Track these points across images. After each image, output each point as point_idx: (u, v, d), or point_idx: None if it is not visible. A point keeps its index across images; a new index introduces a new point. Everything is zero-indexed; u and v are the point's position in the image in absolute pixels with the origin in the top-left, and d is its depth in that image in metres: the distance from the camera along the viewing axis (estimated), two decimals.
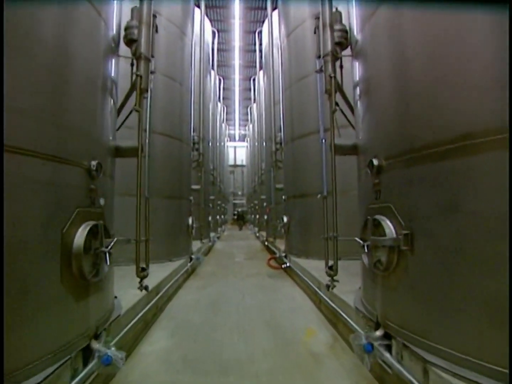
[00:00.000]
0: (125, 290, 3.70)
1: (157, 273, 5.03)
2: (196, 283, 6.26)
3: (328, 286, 3.41)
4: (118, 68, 3.43)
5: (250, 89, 21.82)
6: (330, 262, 3.73)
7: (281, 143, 8.41)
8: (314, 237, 6.49)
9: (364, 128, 3.01)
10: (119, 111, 3.48)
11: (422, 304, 2.10)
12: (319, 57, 3.56)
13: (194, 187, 7.97)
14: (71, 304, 2.10)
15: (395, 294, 2.34)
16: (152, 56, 3.48)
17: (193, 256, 7.22)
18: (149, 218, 3.74)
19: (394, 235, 2.29)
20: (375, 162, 2.56)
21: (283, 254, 7.33)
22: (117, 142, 3.20)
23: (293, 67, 7.50)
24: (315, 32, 3.68)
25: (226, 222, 27.99)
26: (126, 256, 4.56)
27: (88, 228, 2.23)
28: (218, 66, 17.10)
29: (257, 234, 16.67)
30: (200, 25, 10.15)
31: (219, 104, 21.86)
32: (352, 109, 3.65)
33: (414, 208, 2.18)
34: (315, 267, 5.44)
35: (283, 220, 7.33)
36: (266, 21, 11.85)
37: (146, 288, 3.34)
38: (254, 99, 22.14)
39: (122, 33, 3.38)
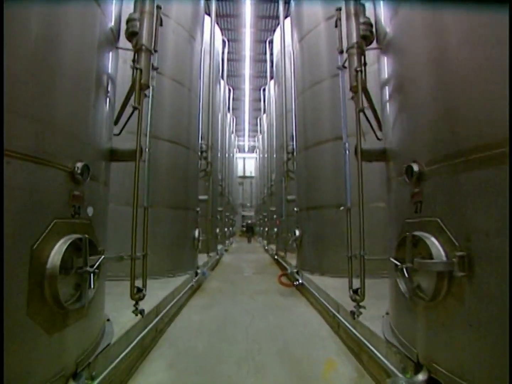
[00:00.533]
0: (120, 311, 3.28)
1: (159, 291, 4.61)
2: (201, 301, 5.80)
3: (353, 314, 2.94)
4: (118, 64, 3.10)
5: (260, 100, 21.64)
6: (355, 284, 3.23)
7: (293, 153, 8.01)
8: (329, 253, 6.03)
9: (397, 130, 2.59)
10: (120, 112, 3.12)
11: (487, 347, 1.64)
12: (341, 52, 3.17)
13: (201, 197, 7.59)
14: (41, 338, 1.68)
15: (446, 330, 1.87)
16: (156, 51, 3.13)
17: (198, 271, 6.78)
18: (147, 230, 3.29)
19: (444, 257, 1.84)
20: (415, 167, 2.13)
21: (295, 270, 6.84)
22: (114, 144, 2.83)
23: (306, 73, 7.15)
24: (336, 26, 3.29)
25: (234, 234, 27.54)
26: (127, 270, 4.22)
27: (68, 243, 1.83)
28: (228, 76, 16.91)
29: (266, 247, 16.17)
30: (210, 33, 9.94)
31: (228, 115, 21.69)
32: (375, 111, 3.24)
33: (473, 223, 1.73)
34: (331, 286, 4.96)
35: (295, 234, 6.87)
36: (278, 29, 11.63)
37: (141, 312, 2.91)
38: (264, 110, 21.94)
39: (124, 27, 3.06)
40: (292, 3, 8.20)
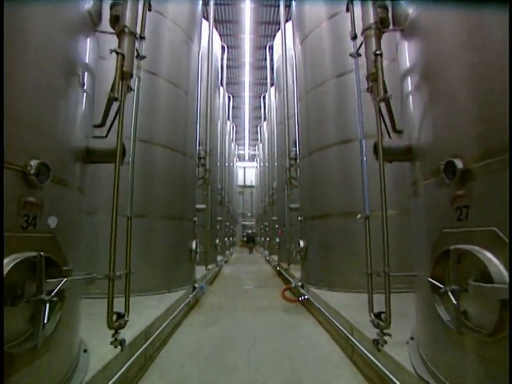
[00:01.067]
0: (103, 338, 2.81)
1: (151, 309, 4.14)
2: (198, 318, 5.32)
3: (376, 343, 2.47)
4: (97, 53, 2.70)
5: (260, 108, 21.36)
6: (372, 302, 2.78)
7: (295, 159, 7.61)
8: (337, 265, 5.57)
9: (428, 124, 2.17)
10: (106, 110, 2.68)
11: None
12: (354, 37, 2.78)
13: (199, 206, 7.15)
14: None
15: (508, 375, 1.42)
16: (142, 37, 2.74)
17: (196, 285, 6.31)
18: (130, 244, 2.84)
19: (507, 278, 1.40)
20: (458, 164, 1.70)
21: (299, 284, 6.36)
22: (90, 143, 2.41)
23: (308, 75, 6.78)
24: (347, 10, 2.91)
25: (234, 244, 27.02)
26: (118, 286, 3.82)
27: (14, 263, 1.39)
28: (227, 83, 16.62)
29: (268, 258, 15.66)
30: (208, 37, 9.62)
31: (228, 122, 21.38)
32: (389, 106, 2.81)
33: None
34: (341, 303, 4.49)
35: (299, 244, 6.41)
36: (278, 34, 11.33)
37: (122, 343, 2.44)
38: (265, 117, 21.62)
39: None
40: (293, 4, 7.88)
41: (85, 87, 2.36)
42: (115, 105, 2.55)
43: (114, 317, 2.38)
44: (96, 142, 2.45)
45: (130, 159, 2.98)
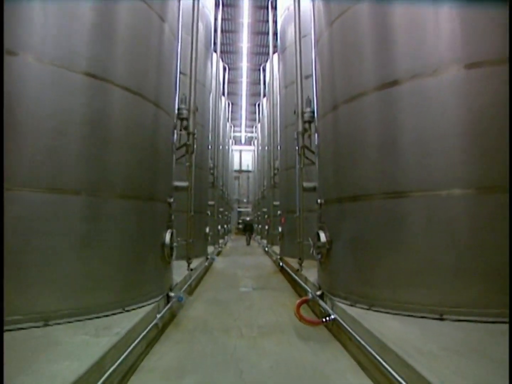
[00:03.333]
0: None
1: (63, 363, 2.23)
2: (168, 354, 3.43)
3: None
4: None
5: (259, 82, 19.23)
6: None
7: (309, 122, 5.65)
8: (383, 272, 3.66)
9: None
10: None
11: None
12: None
13: (179, 184, 5.19)
14: None
15: None
16: None
17: (171, 294, 4.42)
18: None
19: None
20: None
21: (318, 293, 4.50)
22: None
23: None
24: None
25: (229, 232, 25.20)
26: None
27: None
28: (222, 52, 14.40)
29: (267, 249, 13.81)
30: None
31: (223, 98, 19.21)
32: None
33: None
34: (402, 338, 2.64)
35: (318, 238, 4.50)
36: None
37: None
38: (264, 94, 19.47)
39: None
40: None
41: None
42: None
43: None
44: None
45: None
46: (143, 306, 3.69)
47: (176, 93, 5.39)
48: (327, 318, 3.81)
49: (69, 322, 3.02)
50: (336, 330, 3.84)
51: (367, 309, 3.59)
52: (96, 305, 3.25)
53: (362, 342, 2.93)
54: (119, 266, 3.59)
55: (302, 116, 5.62)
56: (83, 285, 3.22)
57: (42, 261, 3.05)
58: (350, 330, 3.27)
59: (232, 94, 22.72)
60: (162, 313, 3.76)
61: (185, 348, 3.53)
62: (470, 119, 3.42)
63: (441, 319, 3.13)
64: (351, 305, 3.77)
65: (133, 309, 3.56)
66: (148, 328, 3.35)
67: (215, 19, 13.01)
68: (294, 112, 5.80)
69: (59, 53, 3.37)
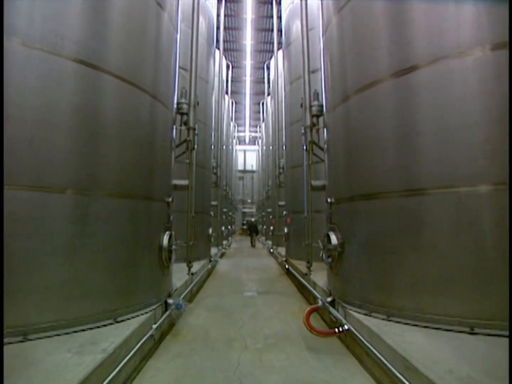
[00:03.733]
0: None
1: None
2: (165, 369, 3.09)
3: None
4: None
5: (263, 81, 18.87)
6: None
7: (318, 116, 5.29)
8: (402, 278, 3.31)
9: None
10: None
11: None
12: None
13: (178, 182, 4.85)
14: None
15: None
16: None
17: (170, 301, 4.08)
18: None
19: None
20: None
21: (329, 300, 4.14)
22: None
23: None
24: None
25: (233, 233, 24.87)
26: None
27: None
28: (225, 49, 14.06)
29: (272, 250, 13.45)
30: None
31: (226, 97, 18.86)
32: None
33: None
34: (430, 358, 2.28)
35: (329, 241, 4.14)
36: None
37: None
38: (269, 93, 19.08)
39: None
40: None
41: None
42: None
43: None
44: None
45: None
46: (137, 316, 3.36)
47: (175, 86, 5.07)
48: (341, 329, 3.45)
49: (53, 336, 2.69)
50: (350, 342, 3.48)
51: (385, 320, 3.22)
52: (83, 316, 2.91)
53: (384, 360, 2.57)
54: (110, 272, 3.25)
55: (310, 109, 5.25)
56: (68, 294, 2.89)
57: (21, 267, 2.72)
58: (368, 344, 2.91)
59: (236, 93, 22.36)
60: (158, 324, 3.41)
61: (183, 363, 3.18)
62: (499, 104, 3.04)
63: (472, 333, 2.76)
64: (367, 314, 3.41)
65: (126, 319, 3.23)
66: (142, 341, 3.01)
67: (218, 15, 12.68)
68: (301, 106, 5.44)
69: (47, 38, 3.06)
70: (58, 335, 2.71)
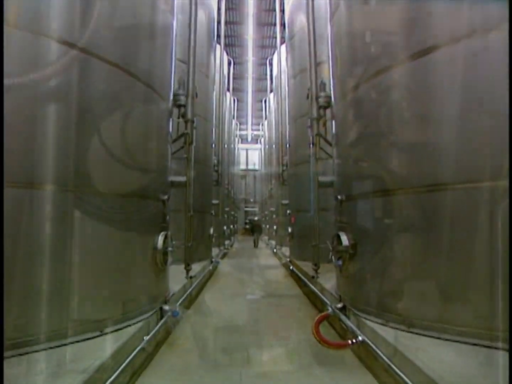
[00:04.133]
0: None
1: None
2: None
3: None
4: None
5: (266, 77, 18.45)
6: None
7: (325, 107, 4.93)
8: (427, 283, 2.95)
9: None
10: None
11: None
12: None
13: (175, 179, 4.52)
14: None
15: None
16: None
17: (166, 308, 3.74)
18: None
19: None
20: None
21: (339, 306, 3.79)
22: None
23: None
24: None
25: (236, 232, 24.51)
26: None
27: None
28: (226, 45, 13.70)
29: (275, 250, 13.10)
30: None
31: (228, 94, 18.50)
32: None
33: None
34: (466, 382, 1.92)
35: (339, 242, 3.79)
36: None
37: None
38: (271, 90, 18.68)
39: None
40: None
41: None
42: None
43: None
44: None
45: None
46: (128, 326, 3.03)
47: (172, 78, 4.73)
48: (354, 340, 3.09)
49: (27, 352, 2.35)
50: (365, 354, 3.13)
51: (404, 331, 2.87)
52: (64, 328, 2.58)
53: (408, 381, 2.22)
54: (97, 277, 2.92)
55: (317, 100, 4.90)
56: (46, 302, 2.55)
57: None
58: (387, 360, 2.56)
59: (238, 91, 22.01)
60: (150, 335, 3.06)
61: (178, 380, 2.84)
62: None
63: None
64: (383, 324, 3.06)
65: (115, 330, 2.90)
66: (131, 356, 2.67)
67: (219, 9, 12.33)
68: (308, 97, 5.08)
69: (28, 16, 2.72)
70: (34, 351, 2.38)
